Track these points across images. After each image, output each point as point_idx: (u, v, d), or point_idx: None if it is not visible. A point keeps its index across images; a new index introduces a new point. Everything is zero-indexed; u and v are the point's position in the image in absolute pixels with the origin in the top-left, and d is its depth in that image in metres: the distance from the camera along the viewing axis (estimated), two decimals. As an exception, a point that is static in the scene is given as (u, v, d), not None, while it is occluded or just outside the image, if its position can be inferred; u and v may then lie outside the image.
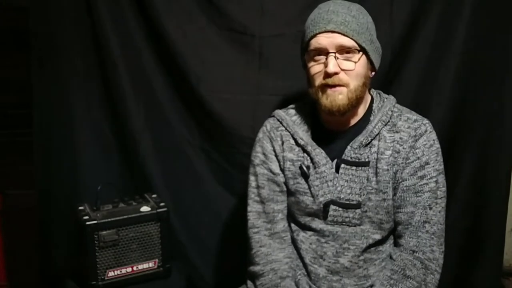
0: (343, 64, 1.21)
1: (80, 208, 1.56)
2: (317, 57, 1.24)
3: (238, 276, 1.45)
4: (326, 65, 1.21)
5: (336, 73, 1.21)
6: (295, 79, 1.54)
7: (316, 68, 1.25)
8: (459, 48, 1.68)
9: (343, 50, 1.21)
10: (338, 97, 1.22)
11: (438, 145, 1.29)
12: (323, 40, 1.22)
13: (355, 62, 1.22)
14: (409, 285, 1.22)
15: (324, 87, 1.23)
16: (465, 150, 1.76)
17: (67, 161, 1.74)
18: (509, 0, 1.67)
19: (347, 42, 1.21)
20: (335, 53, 1.21)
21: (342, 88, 1.22)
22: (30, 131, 1.72)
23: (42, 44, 1.67)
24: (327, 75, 1.22)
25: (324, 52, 1.22)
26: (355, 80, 1.23)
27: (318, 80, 1.24)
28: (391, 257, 1.30)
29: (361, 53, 1.23)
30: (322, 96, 1.24)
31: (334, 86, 1.22)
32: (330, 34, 1.21)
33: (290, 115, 1.39)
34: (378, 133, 1.28)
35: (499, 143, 1.75)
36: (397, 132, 1.28)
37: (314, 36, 1.23)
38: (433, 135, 1.28)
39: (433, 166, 1.26)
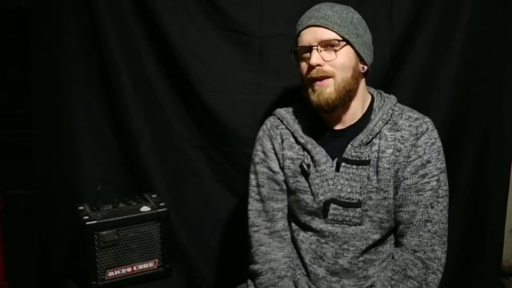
0: (326, 56, 1.24)
1: (80, 208, 1.56)
2: (304, 54, 1.27)
3: (238, 275, 1.45)
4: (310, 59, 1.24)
5: (319, 65, 1.23)
6: (295, 79, 1.53)
7: (303, 64, 1.28)
8: (458, 47, 1.69)
9: (325, 42, 1.24)
10: (325, 90, 1.24)
11: (439, 144, 1.29)
12: (306, 35, 1.26)
13: (336, 51, 1.23)
14: (410, 285, 1.22)
15: (312, 82, 1.25)
16: (465, 150, 1.76)
17: (67, 161, 1.74)
18: (508, 0, 1.67)
19: (328, 34, 1.24)
20: (317, 46, 1.23)
21: (328, 80, 1.24)
22: (30, 131, 1.72)
23: (42, 44, 1.67)
24: (311, 67, 1.24)
25: (308, 47, 1.25)
26: (341, 71, 1.24)
27: (305, 75, 1.27)
28: (392, 257, 1.30)
29: (343, 43, 1.24)
30: (311, 92, 1.26)
31: (321, 79, 1.24)
32: (312, 29, 1.25)
33: (290, 113, 1.39)
34: (379, 132, 1.28)
35: (499, 143, 1.75)
36: (398, 130, 1.28)
37: (299, 34, 1.28)
38: (435, 133, 1.28)
39: (435, 165, 1.26)
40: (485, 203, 1.78)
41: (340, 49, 1.24)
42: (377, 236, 1.29)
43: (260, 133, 1.42)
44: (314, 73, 1.24)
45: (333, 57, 1.23)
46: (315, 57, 1.23)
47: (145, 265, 1.58)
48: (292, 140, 1.35)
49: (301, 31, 1.27)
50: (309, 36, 1.25)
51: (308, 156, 1.32)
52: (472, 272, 1.83)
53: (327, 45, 1.24)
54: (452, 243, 1.66)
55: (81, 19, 1.67)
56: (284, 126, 1.37)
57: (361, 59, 1.28)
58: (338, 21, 1.24)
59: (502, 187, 1.78)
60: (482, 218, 1.79)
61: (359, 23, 1.28)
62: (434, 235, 1.24)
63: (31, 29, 1.65)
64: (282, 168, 1.37)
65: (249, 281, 1.40)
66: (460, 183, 1.76)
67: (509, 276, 2.14)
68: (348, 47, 1.25)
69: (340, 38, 1.23)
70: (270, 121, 1.41)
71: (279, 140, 1.37)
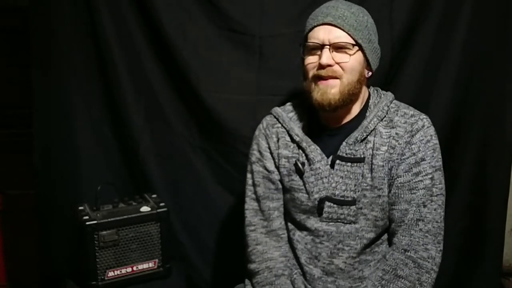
0: (337, 57, 1.22)
1: (80, 208, 1.56)
2: (313, 50, 1.25)
3: (238, 275, 1.46)
4: (320, 57, 1.22)
5: (329, 65, 1.21)
6: (295, 79, 1.53)
7: (310, 59, 1.25)
8: (459, 48, 1.69)
9: (338, 44, 1.22)
10: (330, 91, 1.23)
11: (435, 141, 1.27)
12: (320, 32, 1.23)
13: (350, 55, 1.22)
14: (401, 285, 1.21)
15: (317, 79, 1.24)
16: (465, 150, 1.76)
17: (67, 161, 1.74)
18: (508, 0, 1.67)
19: (343, 36, 1.22)
20: (329, 46, 1.21)
21: (335, 80, 1.23)
22: (30, 131, 1.72)
23: (42, 44, 1.67)
24: (321, 66, 1.22)
25: (320, 44, 1.23)
26: (349, 74, 1.23)
27: (312, 72, 1.25)
28: (384, 257, 1.29)
29: (356, 47, 1.23)
30: (314, 89, 1.25)
31: (327, 78, 1.23)
32: (327, 27, 1.22)
33: (287, 111, 1.39)
34: (374, 129, 1.27)
35: (499, 143, 1.75)
36: (393, 127, 1.27)
37: (312, 29, 1.25)
38: (431, 131, 1.27)
39: (429, 163, 1.25)
40: (485, 203, 1.78)
41: (354, 53, 1.22)
42: (372, 235, 1.29)
43: (257, 132, 1.41)
44: (323, 72, 1.22)
45: (345, 60, 1.22)
46: (326, 57, 1.21)
47: (145, 265, 1.58)
48: (288, 138, 1.35)
49: (314, 26, 1.24)
50: (323, 34, 1.22)
51: (303, 154, 1.31)
52: (472, 272, 1.83)
53: (340, 47, 1.22)
54: (452, 243, 1.67)
55: (81, 19, 1.67)
56: (280, 125, 1.37)
57: (368, 64, 1.27)
58: (355, 24, 1.22)
59: (502, 187, 1.78)
60: (482, 218, 1.79)
61: (372, 28, 1.27)
62: (426, 234, 1.23)
63: (31, 29, 1.65)
64: (277, 167, 1.36)
65: (247, 281, 1.40)
66: (460, 183, 1.76)
67: (509, 276, 2.14)
68: (359, 52, 1.23)
69: (354, 43, 1.22)
70: (266, 120, 1.41)
71: (275, 139, 1.37)
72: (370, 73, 1.29)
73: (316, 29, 1.24)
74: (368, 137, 1.27)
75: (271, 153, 1.37)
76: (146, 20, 1.68)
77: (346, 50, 1.22)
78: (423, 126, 1.26)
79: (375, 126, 1.27)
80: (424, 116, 1.28)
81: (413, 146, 1.25)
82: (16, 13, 1.89)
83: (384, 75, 1.66)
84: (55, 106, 1.71)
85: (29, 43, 1.66)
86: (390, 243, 1.31)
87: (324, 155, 1.29)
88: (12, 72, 2.05)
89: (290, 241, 1.38)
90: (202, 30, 1.70)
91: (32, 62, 1.67)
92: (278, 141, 1.36)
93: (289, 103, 1.42)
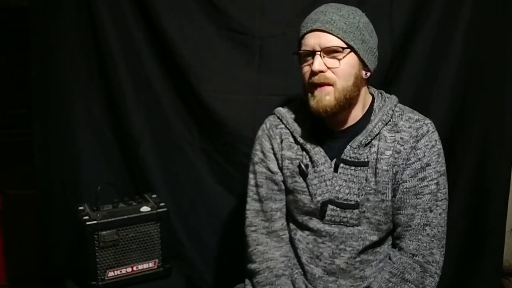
0: (328, 62, 1.21)
1: (80, 208, 1.56)
2: (306, 58, 1.25)
3: (238, 275, 1.46)
4: (313, 63, 1.22)
5: (321, 71, 1.21)
6: (295, 79, 1.53)
7: (305, 68, 1.26)
8: (459, 48, 1.69)
9: (329, 49, 1.21)
10: (325, 98, 1.22)
11: (440, 146, 1.27)
12: (310, 39, 1.23)
13: (339, 60, 1.21)
14: None
15: (312, 86, 1.24)
16: (465, 150, 1.76)
17: (67, 161, 1.74)
18: (508, 0, 1.67)
19: (332, 40, 1.21)
20: (320, 51, 1.21)
21: (329, 87, 1.22)
22: (30, 131, 1.72)
23: (42, 44, 1.67)
24: (313, 73, 1.22)
25: (311, 51, 1.23)
26: (342, 80, 1.22)
27: (307, 80, 1.25)
28: (390, 259, 1.29)
29: (347, 51, 1.21)
30: (310, 97, 1.25)
31: (321, 85, 1.22)
32: (316, 33, 1.22)
33: (290, 112, 1.38)
34: (379, 133, 1.27)
35: (499, 143, 1.75)
36: (398, 132, 1.26)
37: (303, 36, 1.25)
38: (435, 136, 1.27)
39: (434, 168, 1.25)
40: (485, 203, 1.78)
41: (343, 57, 1.21)
42: (374, 238, 1.29)
43: (260, 133, 1.41)
44: (316, 79, 1.22)
45: (336, 65, 1.21)
46: (318, 63, 1.20)
47: (145, 265, 1.58)
48: (291, 139, 1.34)
49: (305, 34, 1.24)
50: (313, 40, 1.22)
51: (307, 156, 1.31)
52: (472, 272, 1.83)
53: (331, 52, 1.21)
54: (452, 243, 1.66)
55: (81, 19, 1.67)
56: (283, 126, 1.36)
57: (364, 65, 1.26)
58: (344, 26, 1.21)
59: (502, 187, 1.78)
60: (482, 218, 1.79)
61: (365, 27, 1.25)
62: (433, 239, 1.24)
63: (31, 29, 1.65)
64: (280, 168, 1.36)
65: (247, 281, 1.40)
66: (460, 183, 1.76)
67: (509, 276, 2.14)
68: (352, 54, 1.22)
69: (345, 46, 1.21)
70: (269, 120, 1.40)
71: (278, 140, 1.36)
72: (368, 74, 1.28)
73: (306, 36, 1.24)
74: (373, 141, 1.27)
75: (274, 154, 1.37)
76: (146, 20, 1.68)
77: (336, 55, 1.21)
78: (428, 131, 1.26)
79: (380, 130, 1.27)
80: (429, 121, 1.28)
81: (418, 151, 1.25)
82: (16, 13, 1.89)
83: (384, 75, 1.66)
84: (55, 106, 1.71)
85: (29, 43, 1.66)
86: (394, 245, 1.32)
87: (327, 158, 1.29)
88: (12, 72, 2.05)
89: (291, 240, 1.38)
90: (202, 30, 1.70)
91: (32, 62, 1.67)
92: (281, 142, 1.36)
93: (292, 104, 1.41)
